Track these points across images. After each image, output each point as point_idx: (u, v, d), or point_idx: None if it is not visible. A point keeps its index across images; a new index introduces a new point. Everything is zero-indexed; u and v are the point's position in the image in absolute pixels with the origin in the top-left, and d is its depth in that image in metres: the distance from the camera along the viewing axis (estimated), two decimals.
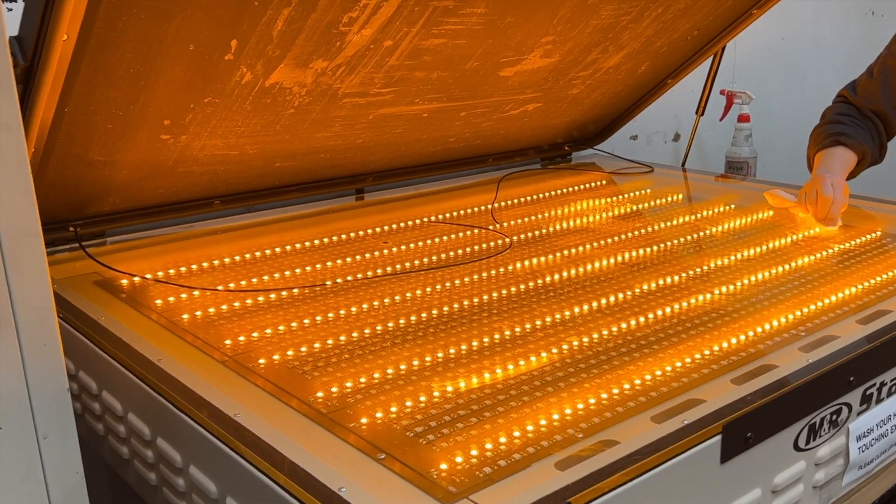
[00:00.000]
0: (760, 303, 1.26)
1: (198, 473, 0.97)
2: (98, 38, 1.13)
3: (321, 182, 1.85)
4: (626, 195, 1.97)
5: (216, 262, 1.48)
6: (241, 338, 1.16)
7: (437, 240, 1.62)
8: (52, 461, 0.89)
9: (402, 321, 1.21)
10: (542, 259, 1.49)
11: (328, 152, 1.73)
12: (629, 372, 1.04)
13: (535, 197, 1.95)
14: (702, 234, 1.65)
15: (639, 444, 0.86)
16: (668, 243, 1.58)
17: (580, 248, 1.54)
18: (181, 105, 1.36)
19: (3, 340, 0.83)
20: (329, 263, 1.47)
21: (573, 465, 0.82)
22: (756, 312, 1.23)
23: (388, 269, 1.44)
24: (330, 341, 1.14)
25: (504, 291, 1.32)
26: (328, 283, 1.37)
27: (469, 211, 1.82)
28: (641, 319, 1.20)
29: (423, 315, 1.23)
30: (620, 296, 1.30)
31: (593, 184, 2.08)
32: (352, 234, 1.65)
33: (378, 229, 1.68)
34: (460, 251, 1.54)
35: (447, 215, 1.79)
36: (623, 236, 1.62)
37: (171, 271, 1.43)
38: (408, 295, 1.32)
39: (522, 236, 1.63)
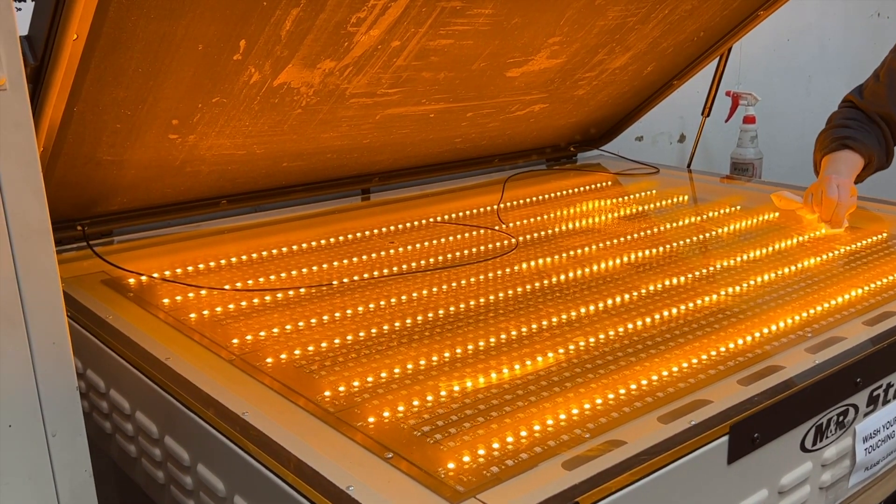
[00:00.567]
0: (767, 304, 1.26)
1: (206, 472, 0.97)
2: (108, 38, 1.13)
3: (328, 182, 1.86)
4: (631, 196, 1.97)
5: (223, 262, 1.48)
6: (249, 337, 1.16)
7: (443, 240, 1.62)
8: (60, 459, 0.89)
9: (408, 321, 1.21)
10: (548, 259, 1.49)
11: (335, 152, 1.73)
12: (636, 372, 1.04)
13: (540, 197, 1.95)
14: (707, 235, 1.65)
15: (646, 445, 0.86)
16: (674, 244, 1.58)
17: (586, 249, 1.54)
18: (189, 105, 1.36)
19: (13, 338, 0.84)
20: (336, 263, 1.48)
21: (580, 465, 0.83)
22: (762, 313, 1.23)
23: (395, 268, 1.44)
24: (337, 341, 1.15)
25: (510, 292, 1.33)
26: (335, 282, 1.38)
27: (475, 211, 1.82)
28: (648, 320, 1.21)
29: (430, 315, 1.24)
30: (627, 296, 1.30)
31: (599, 185, 2.08)
32: (358, 234, 1.65)
33: (384, 229, 1.69)
34: (466, 251, 1.54)
35: (453, 216, 1.79)
36: (629, 237, 1.63)
37: (179, 270, 1.43)
38: (414, 295, 1.32)
39: (528, 237, 1.63)
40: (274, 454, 0.86)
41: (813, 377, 1.01)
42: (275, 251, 1.54)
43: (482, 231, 1.68)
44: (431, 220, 1.76)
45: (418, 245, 1.58)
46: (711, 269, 1.43)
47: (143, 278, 1.39)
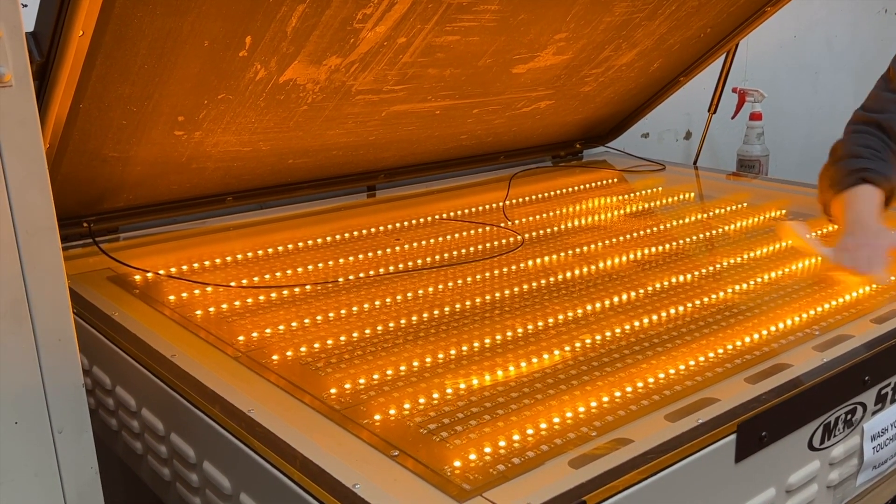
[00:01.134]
0: (774, 301, 1.26)
1: (211, 469, 0.97)
2: (113, 35, 1.13)
3: (333, 179, 1.85)
4: (637, 193, 1.97)
5: (229, 259, 1.48)
6: (255, 334, 1.16)
7: (448, 237, 1.62)
8: (66, 456, 0.89)
9: (414, 318, 1.21)
10: (554, 257, 1.48)
11: (341, 149, 1.73)
12: (642, 370, 1.03)
13: (546, 194, 1.94)
14: (714, 232, 1.65)
15: (653, 443, 0.85)
16: (680, 241, 1.57)
17: (592, 246, 1.54)
18: (195, 101, 1.36)
19: (19, 335, 0.84)
20: (341, 260, 1.47)
21: (587, 464, 0.82)
22: (770, 311, 1.22)
23: (401, 265, 1.44)
24: (343, 338, 1.14)
25: (516, 289, 1.32)
26: (340, 279, 1.37)
27: (481, 208, 1.82)
28: (654, 317, 1.20)
29: (436, 312, 1.23)
30: (633, 294, 1.29)
31: (605, 182, 2.08)
32: (364, 231, 1.65)
33: (390, 226, 1.69)
34: (472, 248, 1.54)
35: (459, 212, 1.79)
36: (635, 234, 1.62)
37: (185, 267, 1.43)
38: (420, 292, 1.32)
39: (534, 234, 1.63)
40: (280, 452, 0.86)
41: (821, 375, 1.01)
42: (280, 248, 1.54)
43: (488, 228, 1.67)
44: (437, 216, 1.76)
45: (424, 242, 1.58)
46: (718, 266, 1.43)
47: (149, 275, 1.39)
